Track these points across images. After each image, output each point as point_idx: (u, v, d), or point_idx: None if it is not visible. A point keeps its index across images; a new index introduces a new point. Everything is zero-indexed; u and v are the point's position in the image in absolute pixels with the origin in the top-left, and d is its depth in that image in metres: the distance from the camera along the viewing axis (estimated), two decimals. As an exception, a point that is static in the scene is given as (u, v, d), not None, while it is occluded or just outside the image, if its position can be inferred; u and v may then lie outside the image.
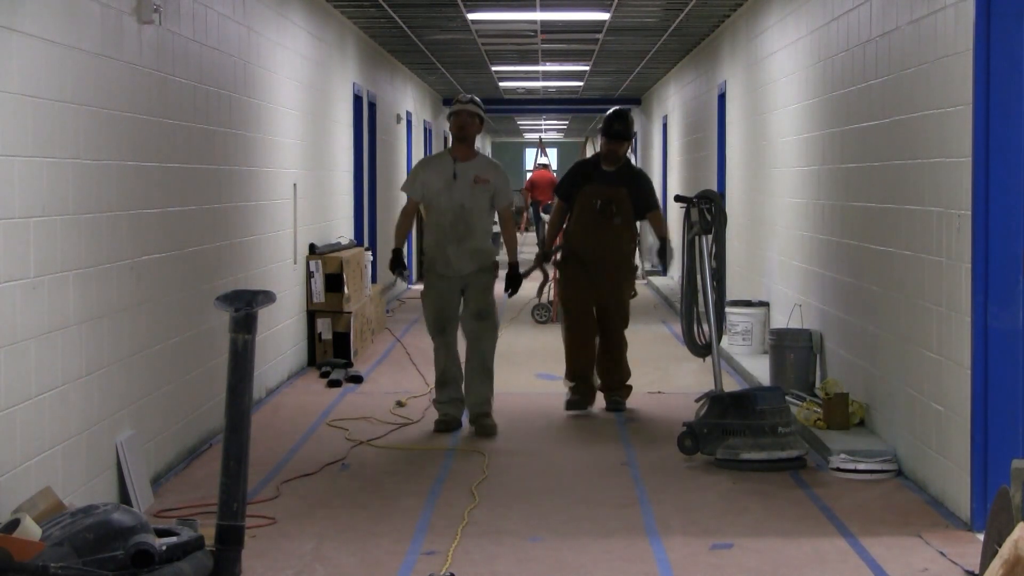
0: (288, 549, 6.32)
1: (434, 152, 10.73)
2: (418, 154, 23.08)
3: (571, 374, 10.00)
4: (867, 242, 8.47)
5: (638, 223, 10.40)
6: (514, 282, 9.50)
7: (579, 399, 9.93)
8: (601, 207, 9.76)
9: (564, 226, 10.09)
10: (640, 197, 9.94)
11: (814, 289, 10.11)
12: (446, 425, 9.19)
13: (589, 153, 38.99)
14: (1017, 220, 6.40)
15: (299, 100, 12.08)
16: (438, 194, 9.12)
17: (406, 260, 10.05)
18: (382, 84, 18.28)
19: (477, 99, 9.33)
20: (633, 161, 27.38)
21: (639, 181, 10.07)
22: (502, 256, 9.54)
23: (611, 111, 10.06)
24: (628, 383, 10.06)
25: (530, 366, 12.26)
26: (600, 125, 10.13)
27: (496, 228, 10.67)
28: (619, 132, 9.91)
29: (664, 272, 10.28)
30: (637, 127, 30.16)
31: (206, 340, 8.60)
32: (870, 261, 8.40)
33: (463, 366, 9.28)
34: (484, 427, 9.10)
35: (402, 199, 9.53)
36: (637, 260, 10.39)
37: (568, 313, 9.97)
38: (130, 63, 7.15)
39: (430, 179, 9.15)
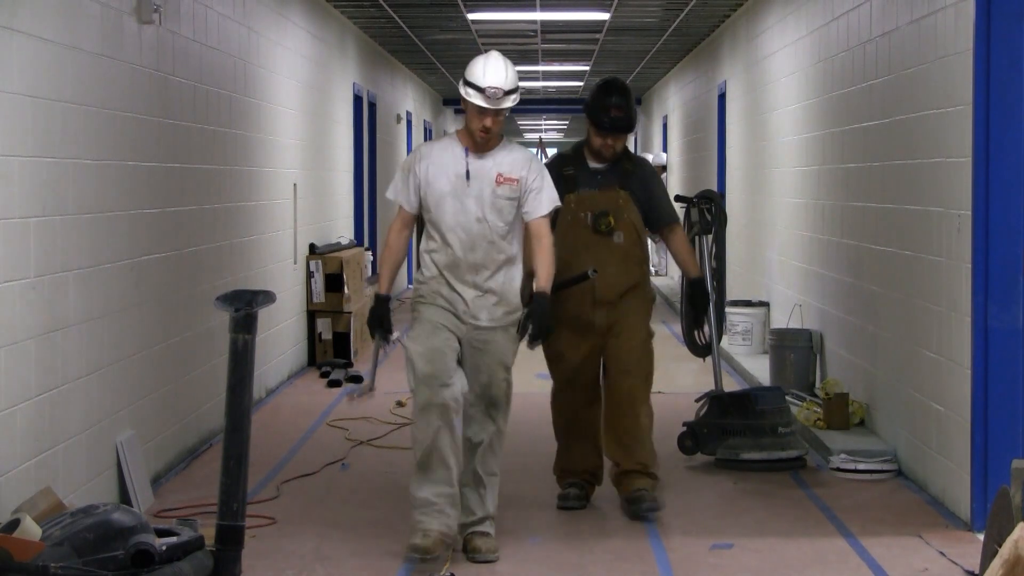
0: (288, 549, 6.32)
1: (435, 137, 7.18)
2: (418, 154, 23.04)
3: (561, 466, 7.12)
4: (867, 242, 8.47)
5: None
6: (540, 320, 6.17)
7: (577, 492, 7.04)
8: (594, 221, 6.91)
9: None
10: (648, 200, 7.05)
11: (814, 289, 10.11)
12: (427, 546, 5.97)
13: None
14: (1017, 220, 6.41)
15: (299, 100, 12.08)
16: (442, 202, 6.15)
17: (392, 311, 6.43)
18: (382, 84, 18.28)
19: (513, 79, 6.16)
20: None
21: (644, 177, 7.07)
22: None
23: (602, 82, 7.05)
24: (652, 470, 6.99)
25: (530, 366, 12.23)
26: (587, 102, 6.99)
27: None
28: (618, 122, 6.91)
29: (705, 335, 7.87)
30: (636, 127, 29.96)
31: (206, 340, 8.60)
32: (870, 261, 8.40)
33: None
34: (478, 548, 6.15)
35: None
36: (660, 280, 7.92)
37: (555, 376, 7.07)
38: (130, 63, 7.15)
39: (431, 178, 6.19)
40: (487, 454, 6.23)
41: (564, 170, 7.00)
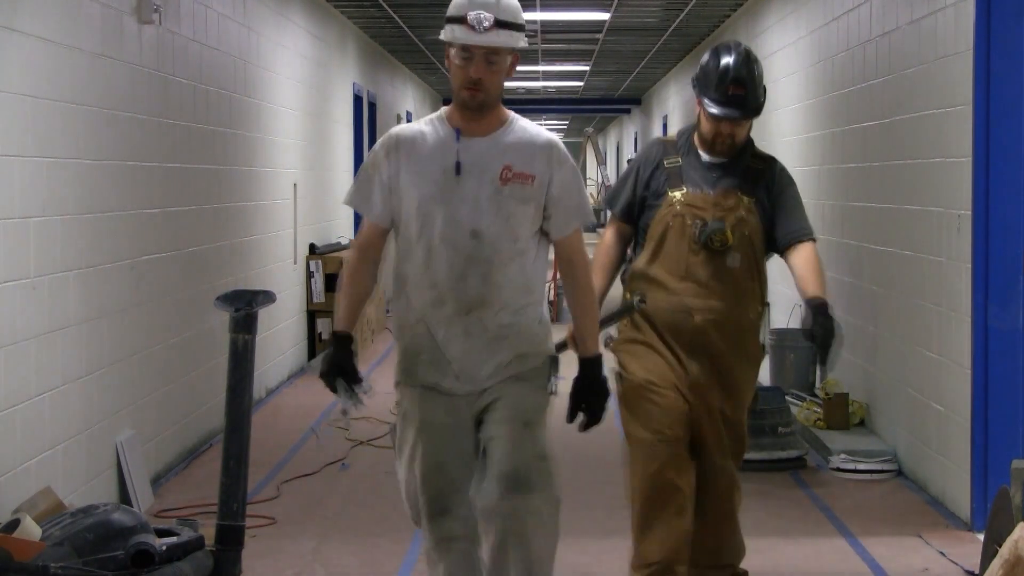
0: (288, 549, 6.32)
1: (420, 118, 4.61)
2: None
3: (645, 558, 5.08)
4: (867, 242, 8.47)
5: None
6: (594, 393, 4.32)
7: None
8: (705, 234, 5.01)
9: (626, 268, 5.21)
10: (776, 212, 5.10)
11: (814, 289, 10.10)
12: None
13: (591, 159, 36.22)
14: (1017, 220, 6.41)
15: (299, 100, 12.08)
16: (422, 210, 4.22)
17: (357, 356, 4.58)
18: (382, 84, 18.28)
19: (512, 8, 4.18)
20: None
21: (774, 182, 5.12)
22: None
23: (717, 47, 5.14)
24: (740, 569, 5.36)
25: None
26: (696, 75, 5.18)
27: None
28: (736, 102, 4.99)
29: (822, 368, 5.15)
30: (636, 127, 29.97)
31: (206, 340, 8.60)
32: (870, 261, 8.40)
33: None
34: None
35: None
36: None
37: (637, 442, 5.06)
38: (130, 63, 7.15)
39: (406, 175, 4.25)
40: (536, 553, 4.21)
41: (667, 158, 5.13)
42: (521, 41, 4.17)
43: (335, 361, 4.42)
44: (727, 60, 5.02)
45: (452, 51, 4.17)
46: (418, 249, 4.23)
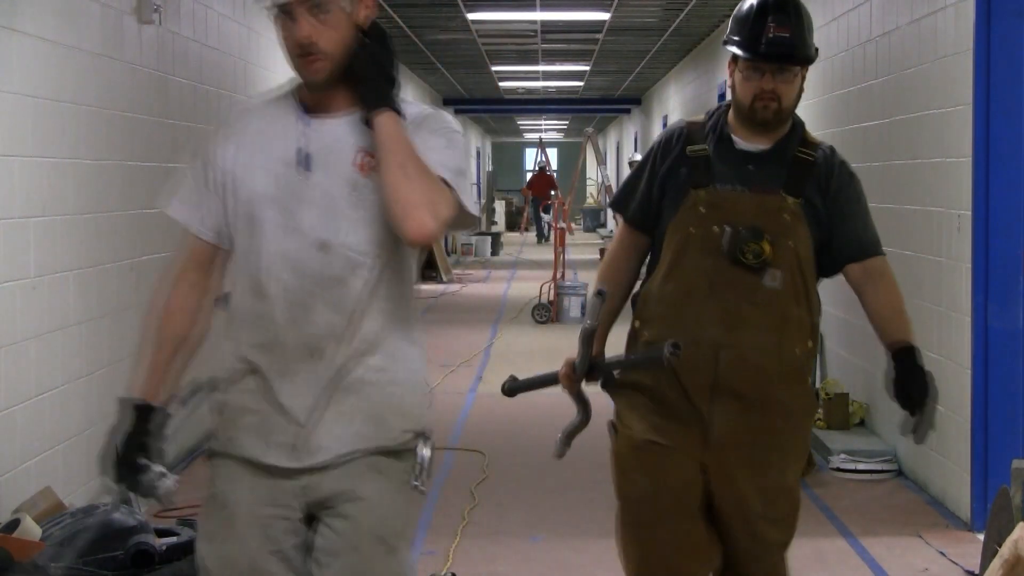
0: (288, 549, 6.32)
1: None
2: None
3: None
4: (867, 242, 8.47)
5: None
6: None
7: None
8: (735, 244, 3.76)
9: (640, 287, 3.96)
10: (834, 219, 3.91)
11: (814, 289, 10.11)
12: None
13: (591, 159, 36.10)
14: (1017, 220, 6.41)
15: (299, 100, 12.08)
16: (252, 213, 3.09)
17: (165, 432, 3.31)
18: (382, 84, 18.28)
19: None
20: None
21: (831, 178, 3.87)
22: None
23: None
24: None
25: (530, 367, 12.23)
26: (731, 28, 3.83)
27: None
28: (781, 45, 3.73)
29: (918, 432, 3.77)
30: (636, 127, 29.93)
31: (206, 340, 8.58)
32: (870, 261, 8.39)
33: None
34: None
35: None
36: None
37: (623, 507, 4.00)
38: (130, 63, 7.15)
39: (240, 168, 3.10)
40: None
41: (691, 145, 3.88)
42: None
43: (124, 441, 3.13)
44: (765, 4, 3.77)
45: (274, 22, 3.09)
46: (243, 272, 3.14)
